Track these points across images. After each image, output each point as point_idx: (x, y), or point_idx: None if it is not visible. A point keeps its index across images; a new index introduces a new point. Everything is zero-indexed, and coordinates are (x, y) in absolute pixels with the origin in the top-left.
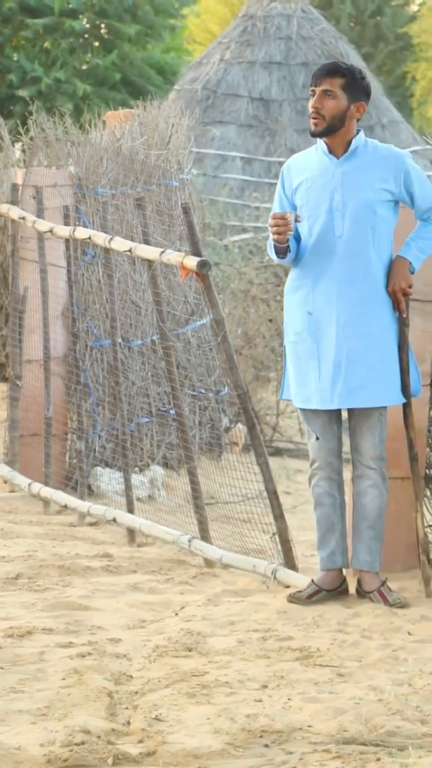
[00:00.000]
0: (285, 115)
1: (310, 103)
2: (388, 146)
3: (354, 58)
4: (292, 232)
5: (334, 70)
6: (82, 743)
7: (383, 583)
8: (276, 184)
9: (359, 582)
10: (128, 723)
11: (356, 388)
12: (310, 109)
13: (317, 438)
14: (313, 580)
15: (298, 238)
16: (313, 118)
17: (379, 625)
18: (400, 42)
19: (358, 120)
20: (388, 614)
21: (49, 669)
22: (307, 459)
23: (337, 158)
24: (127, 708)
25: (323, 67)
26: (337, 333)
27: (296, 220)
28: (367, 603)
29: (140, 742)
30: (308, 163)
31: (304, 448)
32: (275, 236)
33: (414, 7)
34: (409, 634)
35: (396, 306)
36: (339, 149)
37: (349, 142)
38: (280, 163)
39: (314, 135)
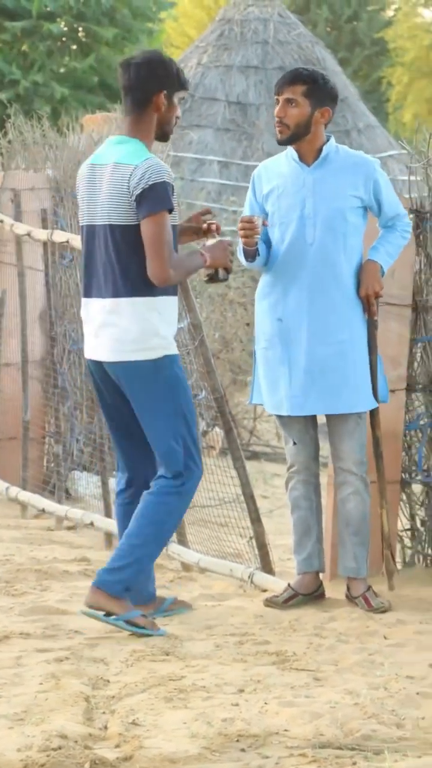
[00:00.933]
0: (262, 119)
1: (275, 111)
2: (358, 153)
3: (330, 63)
4: (259, 236)
5: (294, 77)
6: (59, 748)
7: (368, 588)
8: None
9: (347, 587)
10: (105, 727)
11: (328, 394)
12: (275, 116)
13: (294, 443)
14: (289, 584)
15: (268, 243)
16: (278, 127)
17: (356, 629)
18: (376, 47)
19: (326, 125)
20: (364, 618)
21: (27, 674)
22: (284, 463)
23: (308, 165)
24: (104, 712)
25: (284, 76)
26: (308, 339)
27: (264, 224)
28: (344, 607)
29: (117, 746)
30: (279, 169)
31: (281, 452)
32: (243, 240)
33: (390, 13)
34: (385, 638)
35: (366, 309)
36: (309, 156)
37: (320, 149)
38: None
39: (280, 143)
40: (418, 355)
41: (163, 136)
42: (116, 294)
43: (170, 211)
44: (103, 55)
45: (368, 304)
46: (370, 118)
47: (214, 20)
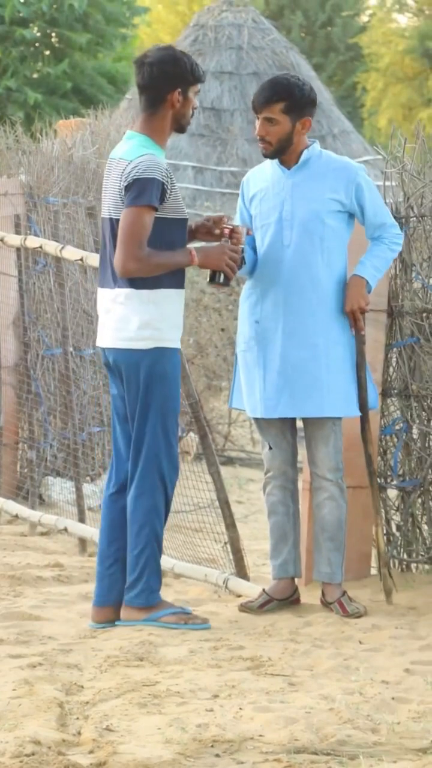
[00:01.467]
0: (236, 125)
1: (256, 130)
2: (342, 158)
3: (305, 69)
4: (242, 245)
5: (271, 97)
6: (33, 754)
7: (344, 594)
8: (227, 193)
9: (322, 592)
10: (79, 733)
11: (301, 397)
12: (256, 134)
13: (270, 447)
14: (264, 590)
15: (255, 250)
16: (261, 144)
17: (331, 635)
18: (350, 52)
19: (305, 134)
20: (339, 623)
21: (0, 680)
22: (260, 468)
23: (288, 169)
24: (78, 718)
25: (261, 95)
26: (282, 342)
27: (248, 234)
28: (319, 612)
29: (91, 752)
30: (264, 175)
31: (256, 457)
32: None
33: (364, 18)
34: (360, 643)
35: (353, 324)
36: (290, 161)
37: (301, 153)
38: (232, 173)
39: (266, 157)
40: (394, 360)
41: (179, 129)
42: (117, 284)
43: (154, 208)
44: (76, 60)
45: (354, 319)
46: (345, 124)
47: (188, 26)
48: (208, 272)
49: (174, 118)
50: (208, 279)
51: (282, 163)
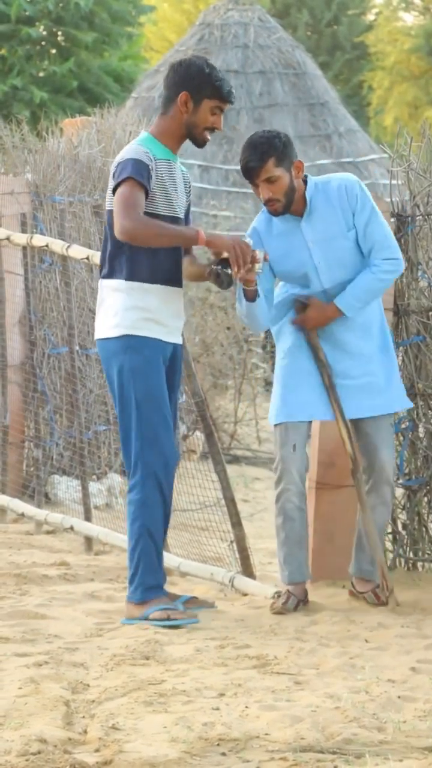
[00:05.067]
0: (242, 123)
1: (260, 196)
2: (333, 179)
3: (310, 67)
4: (259, 272)
5: (261, 158)
6: (39, 752)
7: (378, 585)
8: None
9: (353, 584)
10: (85, 732)
11: (358, 397)
12: (262, 199)
13: (294, 449)
14: (289, 590)
15: (265, 290)
16: (270, 205)
17: (336, 633)
18: (356, 51)
19: (301, 177)
20: (345, 622)
21: (6, 678)
22: (265, 467)
23: (300, 216)
24: (83, 717)
25: (250, 162)
26: (330, 352)
27: (265, 259)
28: (324, 611)
29: (97, 751)
30: (273, 229)
31: (261, 456)
32: (241, 278)
33: (370, 17)
34: (366, 641)
35: (305, 334)
36: (298, 208)
37: (304, 196)
38: (238, 171)
39: (278, 215)
40: (400, 358)
41: (192, 139)
42: (102, 276)
43: (140, 184)
44: (82, 59)
45: (299, 328)
46: (351, 122)
47: (194, 24)
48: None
49: (185, 125)
50: (210, 277)
51: (291, 212)
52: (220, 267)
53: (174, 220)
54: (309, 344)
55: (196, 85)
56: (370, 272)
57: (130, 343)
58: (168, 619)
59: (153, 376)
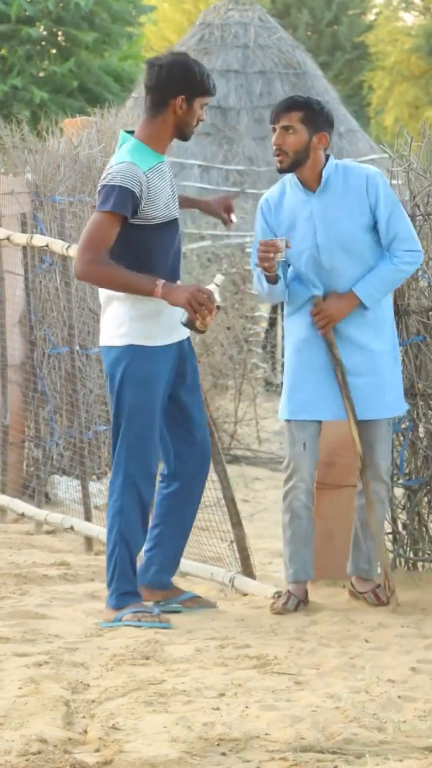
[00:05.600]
0: (242, 123)
1: (272, 140)
2: (359, 166)
3: (311, 67)
4: (282, 259)
5: (291, 105)
6: (39, 752)
7: (378, 585)
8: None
9: (353, 584)
10: (85, 732)
11: (362, 400)
12: (273, 147)
13: (305, 447)
14: (289, 591)
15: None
16: (277, 156)
17: (337, 633)
18: (356, 51)
19: (324, 150)
20: (345, 622)
21: (6, 678)
22: (266, 467)
23: (313, 191)
24: (83, 717)
25: (280, 104)
26: (341, 348)
27: (287, 246)
28: (324, 611)
29: (97, 750)
30: (286, 201)
31: (262, 455)
32: (261, 264)
33: (371, 17)
34: (366, 641)
35: (318, 327)
36: (312, 183)
37: (320, 173)
38: (238, 171)
39: (281, 171)
40: (400, 358)
41: (181, 137)
42: None
43: (120, 216)
44: (82, 59)
45: (319, 326)
46: (351, 122)
47: (194, 24)
48: (212, 277)
49: (176, 125)
50: (182, 320)
51: (304, 185)
52: (186, 325)
53: (173, 223)
54: (324, 340)
55: (190, 86)
56: (390, 263)
57: (136, 353)
58: (139, 620)
59: (152, 388)
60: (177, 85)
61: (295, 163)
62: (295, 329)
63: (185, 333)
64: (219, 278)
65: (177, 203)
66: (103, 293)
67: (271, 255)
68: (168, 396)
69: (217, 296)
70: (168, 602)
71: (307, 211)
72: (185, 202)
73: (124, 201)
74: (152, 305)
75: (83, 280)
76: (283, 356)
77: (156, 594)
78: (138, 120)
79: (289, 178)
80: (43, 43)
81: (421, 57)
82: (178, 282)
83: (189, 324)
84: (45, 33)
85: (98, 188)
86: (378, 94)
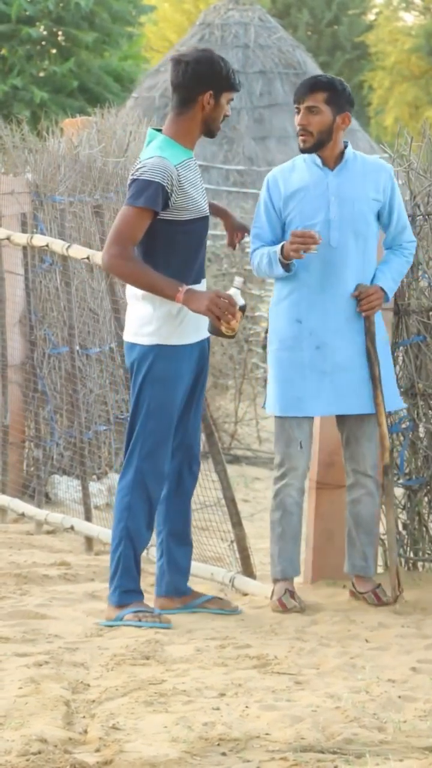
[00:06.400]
0: (243, 123)
1: (296, 120)
2: (374, 158)
3: (311, 67)
4: (316, 251)
5: (315, 85)
6: (39, 752)
7: (378, 585)
8: (233, 191)
9: (353, 584)
10: (85, 732)
11: (350, 394)
12: (297, 127)
13: (301, 446)
14: (288, 590)
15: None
16: (301, 135)
17: (337, 633)
18: (357, 51)
19: (344, 130)
20: (345, 622)
21: (6, 678)
22: (266, 467)
23: (331, 169)
24: (84, 717)
25: (305, 84)
26: (329, 341)
27: (320, 239)
28: (324, 611)
29: (97, 750)
30: (298, 175)
31: (262, 455)
32: (294, 253)
33: (371, 17)
34: (366, 641)
35: (367, 326)
36: (331, 161)
37: (340, 154)
38: (238, 171)
39: (304, 151)
40: (400, 358)
41: (208, 133)
42: None
43: (151, 212)
44: (82, 59)
45: (369, 322)
46: (351, 122)
47: (194, 24)
48: (231, 281)
49: (203, 122)
50: (209, 328)
51: (323, 163)
52: (212, 332)
53: (204, 220)
54: (366, 331)
55: (216, 82)
56: (400, 255)
57: (162, 353)
58: (140, 620)
59: (173, 388)
60: (204, 82)
61: (318, 143)
62: (283, 322)
63: (206, 331)
64: (238, 280)
65: (206, 201)
66: (130, 288)
67: (311, 247)
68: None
69: (239, 299)
70: (186, 607)
71: (323, 185)
72: (213, 208)
73: (154, 196)
74: (178, 305)
75: (109, 272)
76: None
77: (175, 601)
78: (140, 120)
79: (304, 158)
80: (44, 43)
81: (422, 57)
82: (203, 282)
83: (215, 331)
84: (45, 33)
85: (128, 182)
86: (378, 94)
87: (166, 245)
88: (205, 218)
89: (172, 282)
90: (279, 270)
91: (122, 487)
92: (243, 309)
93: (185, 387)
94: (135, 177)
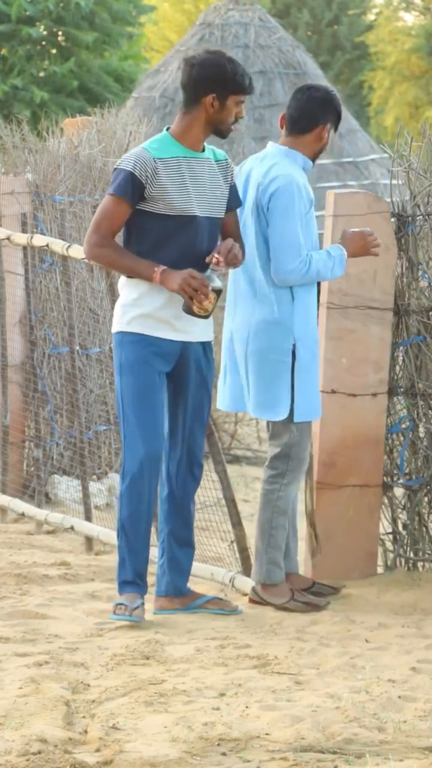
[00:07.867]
0: (242, 123)
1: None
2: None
3: (311, 67)
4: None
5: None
6: (39, 752)
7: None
8: None
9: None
10: (85, 732)
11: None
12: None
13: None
14: (293, 590)
15: None
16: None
17: (337, 633)
18: (357, 51)
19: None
20: (345, 622)
21: (6, 678)
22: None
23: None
24: (84, 717)
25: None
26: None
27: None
28: (324, 611)
29: (97, 750)
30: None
31: (262, 455)
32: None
33: (371, 17)
34: (366, 641)
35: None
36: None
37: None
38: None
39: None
40: (400, 358)
41: (218, 133)
42: None
43: (122, 201)
44: (82, 59)
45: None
46: (351, 122)
47: (194, 24)
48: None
49: (208, 122)
50: (183, 307)
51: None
52: (186, 311)
53: (187, 219)
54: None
55: (221, 85)
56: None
57: (125, 339)
58: (114, 613)
59: (141, 375)
60: (207, 84)
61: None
62: (309, 318)
63: (198, 337)
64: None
65: (201, 204)
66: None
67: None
68: (169, 396)
69: (215, 280)
70: (187, 608)
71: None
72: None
73: (123, 184)
74: (151, 295)
75: (89, 260)
76: None
77: (175, 602)
78: (140, 120)
79: None
80: (44, 43)
81: (422, 57)
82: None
83: (188, 310)
84: (45, 33)
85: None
86: (378, 94)
87: (146, 236)
88: (190, 218)
89: (149, 264)
90: (341, 272)
91: (121, 478)
92: (219, 291)
93: (159, 375)
94: (116, 166)
